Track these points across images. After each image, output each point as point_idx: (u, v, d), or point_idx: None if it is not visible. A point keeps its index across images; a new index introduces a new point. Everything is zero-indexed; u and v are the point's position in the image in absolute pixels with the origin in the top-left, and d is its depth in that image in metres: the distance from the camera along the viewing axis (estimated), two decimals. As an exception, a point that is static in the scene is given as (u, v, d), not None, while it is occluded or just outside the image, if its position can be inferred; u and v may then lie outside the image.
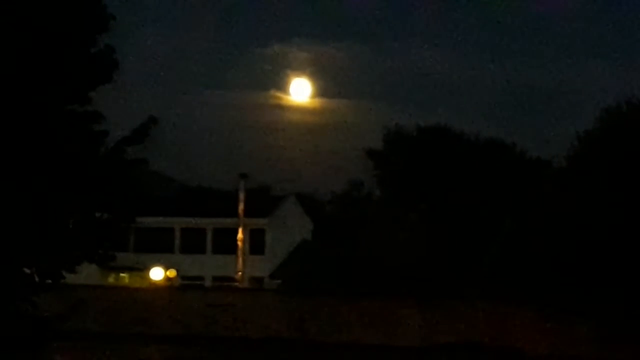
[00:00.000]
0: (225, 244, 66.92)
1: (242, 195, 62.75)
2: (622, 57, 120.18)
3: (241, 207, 62.43)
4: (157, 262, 65.56)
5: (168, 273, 65.86)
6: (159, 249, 68.01)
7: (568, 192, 41.66)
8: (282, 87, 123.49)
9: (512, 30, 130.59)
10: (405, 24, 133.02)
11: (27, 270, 19.29)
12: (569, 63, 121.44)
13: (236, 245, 62.91)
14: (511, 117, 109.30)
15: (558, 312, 39.45)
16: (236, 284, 61.22)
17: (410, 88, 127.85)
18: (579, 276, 38.16)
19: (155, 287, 60.22)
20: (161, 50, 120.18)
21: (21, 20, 18.13)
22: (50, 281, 19.38)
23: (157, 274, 65.16)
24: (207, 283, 66.56)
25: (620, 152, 40.47)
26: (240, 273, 62.03)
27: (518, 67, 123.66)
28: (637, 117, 42.80)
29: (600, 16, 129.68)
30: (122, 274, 64.31)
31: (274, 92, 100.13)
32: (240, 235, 62.88)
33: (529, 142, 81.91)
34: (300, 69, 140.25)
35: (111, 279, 59.94)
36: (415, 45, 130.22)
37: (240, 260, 62.35)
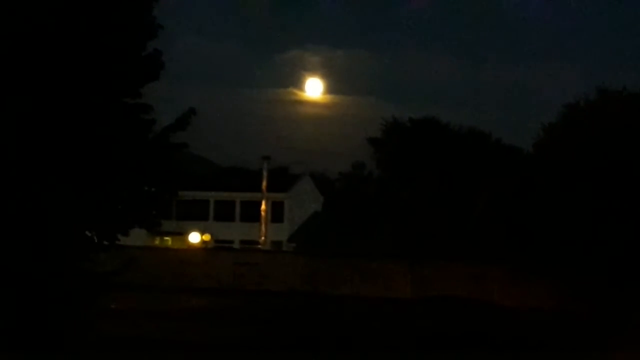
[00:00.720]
0: (251, 213, 67.05)
1: (265, 174, 62.85)
2: (585, 61, 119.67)
3: (264, 183, 62.53)
4: (194, 228, 65.78)
5: (204, 237, 66.05)
6: (196, 217, 68.19)
7: (534, 173, 41.61)
8: (299, 85, 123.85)
9: (490, 37, 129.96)
10: (399, 33, 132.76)
11: (88, 233, 19.38)
12: (539, 66, 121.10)
13: (260, 214, 63.07)
14: (490, 110, 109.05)
15: (523, 272, 39.43)
16: (259, 246, 61.38)
17: (404, 86, 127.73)
18: (541, 241, 38.16)
19: (193, 248, 60.38)
20: (204, 54, 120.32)
21: (84, 31, 18.21)
22: (107, 242, 19.47)
23: (194, 237, 65.39)
24: (236, 245, 66.76)
25: (578, 142, 40.39)
26: (263, 237, 62.17)
27: (496, 68, 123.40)
28: (593, 112, 42.58)
29: (565, 25, 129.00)
30: (166, 237, 64.34)
31: (292, 90, 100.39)
32: (263, 206, 63.01)
33: (504, 131, 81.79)
34: (313, 71, 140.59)
35: (157, 241, 59.95)
36: (408, 51, 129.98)
37: (263, 227, 62.50)
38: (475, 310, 36.02)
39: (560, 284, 38.08)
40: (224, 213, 71.49)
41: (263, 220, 62.75)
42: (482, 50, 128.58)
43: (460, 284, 41.48)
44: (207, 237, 66.59)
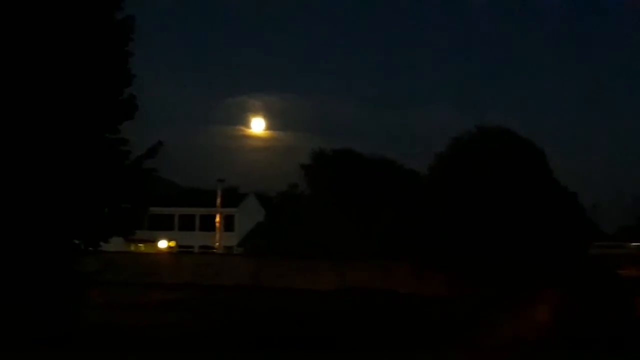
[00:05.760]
0: (208, 224, 66.78)
1: (219, 193, 62.73)
2: (473, 104, 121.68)
3: (219, 200, 62.40)
4: (163, 236, 65.12)
5: (170, 244, 65.51)
6: (164, 228, 67.52)
7: (429, 190, 42.25)
8: (246, 123, 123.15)
9: (392, 84, 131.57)
10: (322, 82, 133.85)
11: (77, 241, 19.22)
12: (434, 107, 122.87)
13: (215, 225, 62.82)
14: (394, 142, 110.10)
15: (422, 267, 39.78)
16: (215, 250, 61.11)
17: (327, 124, 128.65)
18: (435, 242, 38.66)
19: (162, 253, 59.83)
20: (170, 98, 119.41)
21: (72, 81, 18.17)
22: (91, 248, 19.32)
23: (162, 244, 64.75)
24: (196, 250, 66.34)
25: (461, 166, 41.26)
26: (218, 243, 61.97)
27: (399, 108, 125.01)
28: (473, 143, 43.43)
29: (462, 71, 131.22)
30: (139, 244, 63.42)
31: (240, 127, 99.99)
32: (218, 219, 62.83)
33: (406, 158, 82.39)
34: (257, 112, 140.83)
35: (132, 247, 59.10)
36: (329, 96, 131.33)
37: (218, 235, 62.30)
38: (378, 296, 36.55)
39: (451, 276, 38.48)
40: (187, 224, 71.07)
41: (218, 230, 62.57)
42: (389, 94, 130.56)
43: (372, 277, 41.74)
44: (172, 243, 66.06)
